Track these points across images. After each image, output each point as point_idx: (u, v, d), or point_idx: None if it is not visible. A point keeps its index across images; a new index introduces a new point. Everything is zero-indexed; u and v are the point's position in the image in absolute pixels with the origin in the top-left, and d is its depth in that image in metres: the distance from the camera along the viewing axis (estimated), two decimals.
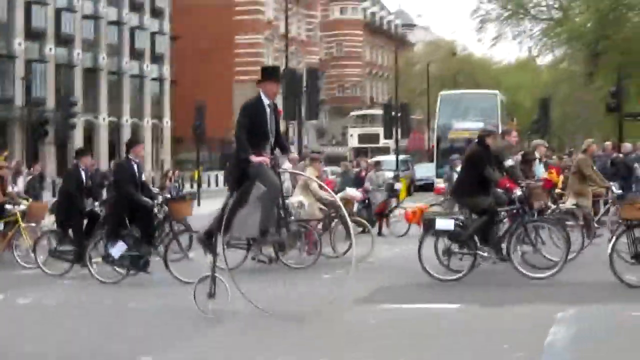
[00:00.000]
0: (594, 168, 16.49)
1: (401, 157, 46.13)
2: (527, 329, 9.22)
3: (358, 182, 21.90)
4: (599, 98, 48.01)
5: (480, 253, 12.67)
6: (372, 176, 22.01)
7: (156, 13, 64.31)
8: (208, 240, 10.29)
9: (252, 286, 10.63)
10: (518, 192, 13.00)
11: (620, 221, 12.65)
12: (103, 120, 58.49)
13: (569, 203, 15.48)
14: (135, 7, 61.74)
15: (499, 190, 13.30)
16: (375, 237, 16.72)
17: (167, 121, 65.07)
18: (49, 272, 14.55)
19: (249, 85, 73.15)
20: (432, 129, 45.09)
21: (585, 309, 10.18)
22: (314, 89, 29.61)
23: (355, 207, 18.06)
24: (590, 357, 8.09)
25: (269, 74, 10.46)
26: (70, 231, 14.77)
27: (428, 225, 13.15)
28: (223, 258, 10.27)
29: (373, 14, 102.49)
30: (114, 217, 13.64)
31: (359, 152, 52.37)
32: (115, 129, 59.76)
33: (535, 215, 13.29)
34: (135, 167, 13.67)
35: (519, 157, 15.12)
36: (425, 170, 45.47)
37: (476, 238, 12.73)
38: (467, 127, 39.03)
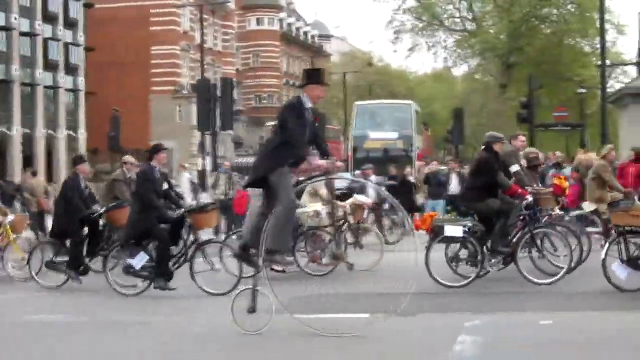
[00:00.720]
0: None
1: None
2: (437, 337, 9.32)
3: None
4: (512, 109, 48.85)
5: (487, 262, 12.87)
6: None
7: (70, 24, 63.37)
8: (246, 253, 9.92)
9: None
10: (530, 198, 13.22)
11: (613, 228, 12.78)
12: (16, 132, 57.49)
13: (587, 209, 15.51)
14: (49, 18, 60.76)
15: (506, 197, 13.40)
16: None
17: (82, 132, 64.20)
18: (43, 284, 14.22)
19: (166, 97, 73.07)
20: (348, 139, 45.26)
21: (493, 319, 10.33)
22: (228, 99, 29.51)
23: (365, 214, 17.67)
24: None
25: (314, 77, 9.91)
26: (68, 242, 14.41)
27: (437, 232, 13.12)
28: (264, 271, 9.73)
29: (290, 25, 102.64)
30: (136, 227, 13.07)
31: None
32: (28, 141, 58.75)
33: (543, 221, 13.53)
34: (158, 175, 13.29)
35: (524, 162, 15.19)
36: (341, 181, 45.51)
37: (485, 247, 12.91)
38: (383, 137, 39.41)
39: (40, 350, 9.41)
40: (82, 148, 63.32)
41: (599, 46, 40.27)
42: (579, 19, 57.29)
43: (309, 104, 9.64)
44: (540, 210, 13.50)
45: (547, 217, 13.88)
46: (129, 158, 17.64)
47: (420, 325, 10.14)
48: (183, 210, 13.51)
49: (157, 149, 13.60)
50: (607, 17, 46.32)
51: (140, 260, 12.92)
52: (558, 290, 12.25)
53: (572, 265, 12.85)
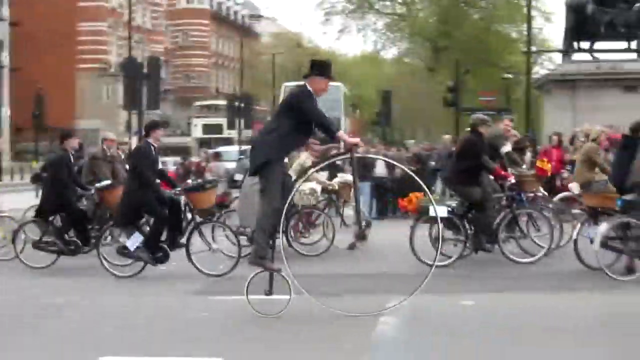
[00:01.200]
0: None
1: (243, 147, 46.17)
2: (359, 318, 9.35)
3: (197, 173, 21.84)
4: (440, 92, 49.17)
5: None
6: (213, 167, 21.98)
7: None
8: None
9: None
10: (512, 179, 13.36)
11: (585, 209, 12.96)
12: None
13: (575, 191, 15.57)
14: None
15: (490, 178, 13.54)
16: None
17: (5, 110, 63.07)
18: (30, 265, 13.62)
19: (92, 74, 72.11)
20: None
21: (415, 299, 10.39)
22: (155, 77, 29.21)
23: None
24: (419, 345, 8.24)
25: (321, 69, 9.62)
26: (55, 221, 13.80)
27: (421, 212, 13.15)
28: (283, 253, 9.65)
29: (220, 4, 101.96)
30: (131, 206, 12.49)
31: (203, 143, 52.07)
32: None
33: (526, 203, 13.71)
34: (154, 152, 12.68)
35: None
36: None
37: (469, 227, 13.06)
38: None
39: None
40: (5, 125, 62.30)
41: (526, 32, 40.69)
42: (507, 5, 57.85)
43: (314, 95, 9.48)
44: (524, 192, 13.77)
45: (532, 198, 14.10)
46: (109, 134, 17.09)
47: (344, 306, 10.16)
48: (179, 188, 13.05)
49: (155, 125, 13.07)
50: (534, 4, 46.89)
51: (134, 241, 12.45)
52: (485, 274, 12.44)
53: (553, 245, 13.14)
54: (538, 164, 15.38)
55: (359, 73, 75.61)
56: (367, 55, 78.85)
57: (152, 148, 12.62)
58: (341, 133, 9.63)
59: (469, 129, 13.97)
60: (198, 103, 70.24)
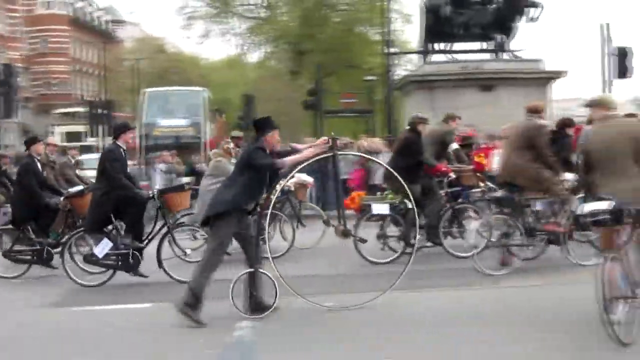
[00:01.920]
0: None
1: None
2: (222, 323, 9.28)
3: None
4: (303, 95, 49.42)
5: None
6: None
7: None
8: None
9: None
10: (452, 175, 13.88)
11: None
12: None
13: None
14: None
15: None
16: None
17: None
18: (2, 275, 13.11)
19: None
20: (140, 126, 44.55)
21: (280, 302, 10.41)
22: (10, 85, 28.51)
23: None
24: (275, 348, 8.18)
25: (270, 124, 10.29)
26: (28, 228, 13.33)
27: (364, 210, 13.50)
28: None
29: (80, 9, 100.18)
30: (100, 210, 12.08)
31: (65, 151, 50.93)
32: None
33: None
34: (123, 154, 12.33)
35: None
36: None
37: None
38: (172, 124, 39.06)
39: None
40: None
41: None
42: (368, 7, 58.48)
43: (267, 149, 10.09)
44: (465, 187, 14.25)
45: (478, 193, 14.29)
46: (51, 139, 16.61)
47: (202, 312, 10.09)
48: (155, 190, 12.87)
49: (125, 128, 12.76)
50: (394, 6, 47.58)
51: (103, 248, 12.09)
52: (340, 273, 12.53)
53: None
54: (476, 159, 15.83)
55: (224, 77, 75.34)
56: (232, 59, 78.65)
57: (122, 151, 12.42)
58: (296, 146, 10.57)
59: (408, 127, 14.31)
60: (58, 110, 68.90)
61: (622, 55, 28.61)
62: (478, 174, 14.83)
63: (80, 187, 14.66)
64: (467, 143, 16.84)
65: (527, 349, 7.96)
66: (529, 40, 70.84)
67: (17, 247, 13.56)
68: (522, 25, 28.78)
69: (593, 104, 9.00)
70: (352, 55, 56.91)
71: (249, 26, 63.30)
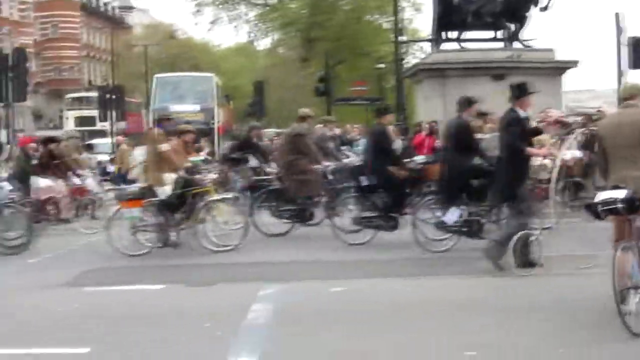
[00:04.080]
0: None
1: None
2: (230, 306, 9.36)
3: None
4: (313, 83, 49.44)
5: None
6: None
7: None
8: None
9: None
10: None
11: None
12: None
13: None
14: None
15: None
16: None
17: None
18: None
19: None
20: (150, 111, 44.57)
21: (286, 287, 10.46)
22: (21, 70, 28.56)
23: None
24: (289, 332, 8.28)
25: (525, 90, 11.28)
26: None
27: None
28: None
29: None
30: (458, 181, 12.48)
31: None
32: None
33: None
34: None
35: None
36: (142, 153, 44.87)
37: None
38: (183, 109, 39.08)
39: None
40: None
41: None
42: None
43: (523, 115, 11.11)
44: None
45: None
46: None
47: (216, 295, 10.18)
48: None
49: (470, 102, 13.24)
50: None
51: (453, 215, 12.45)
52: (354, 259, 12.57)
53: None
54: None
55: (233, 64, 75.34)
56: (241, 46, 78.55)
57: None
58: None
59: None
60: (69, 95, 68.90)
61: (637, 45, 28.36)
62: None
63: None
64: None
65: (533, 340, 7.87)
66: (541, 29, 70.51)
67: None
68: (534, 14, 28.63)
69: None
70: (363, 43, 56.84)
71: (258, 13, 63.22)
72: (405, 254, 12.60)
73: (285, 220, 15.41)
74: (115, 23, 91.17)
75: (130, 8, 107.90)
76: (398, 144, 16.77)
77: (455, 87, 25.37)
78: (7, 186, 15.32)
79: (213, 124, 39.25)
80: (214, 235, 13.64)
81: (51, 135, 21.60)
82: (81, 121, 59.49)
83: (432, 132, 22.41)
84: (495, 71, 26.41)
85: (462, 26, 28.78)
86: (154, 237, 13.53)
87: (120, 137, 29.65)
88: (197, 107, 40.19)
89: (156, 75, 45.91)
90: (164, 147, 13.67)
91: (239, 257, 12.80)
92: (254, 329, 8.38)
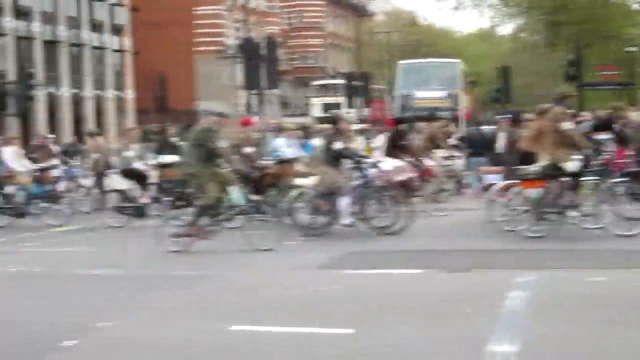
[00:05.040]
0: None
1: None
2: (488, 293, 9.41)
3: None
4: (559, 68, 48.34)
5: None
6: None
7: None
8: None
9: None
10: None
11: None
12: (65, 92, 57.91)
13: None
14: None
15: None
16: None
17: (130, 93, 64.52)
18: None
19: (210, 57, 73.14)
20: (392, 98, 45.01)
21: (543, 275, 10.39)
22: (272, 58, 29.57)
23: None
24: (547, 321, 8.22)
25: None
26: None
27: None
28: None
29: None
30: None
31: (322, 122, 52.18)
32: (78, 102, 59.14)
33: None
34: None
35: None
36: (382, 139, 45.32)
37: None
38: (429, 95, 39.19)
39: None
40: (131, 108, 63.82)
41: None
42: None
43: None
44: None
45: None
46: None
47: (470, 281, 10.25)
48: None
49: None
50: None
51: None
52: (609, 248, 12.32)
53: None
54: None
55: (475, 50, 74.83)
56: (484, 31, 77.91)
57: None
58: None
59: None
60: (316, 83, 70.46)
61: None
62: None
63: None
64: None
65: None
66: None
67: None
68: None
69: None
70: (610, 26, 55.01)
71: None
72: None
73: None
74: (358, 11, 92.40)
75: None
76: None
77: None
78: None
79: (459, 109, 39.14)
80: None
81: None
82: (327, 108, 60.68)
83: None
84: None
85: None
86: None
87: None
88: (445, 93, 40.17)
89: (400, 62, 46.22)
90: (566, 125, 13.59)
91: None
92: (513, 317, 8.38)
